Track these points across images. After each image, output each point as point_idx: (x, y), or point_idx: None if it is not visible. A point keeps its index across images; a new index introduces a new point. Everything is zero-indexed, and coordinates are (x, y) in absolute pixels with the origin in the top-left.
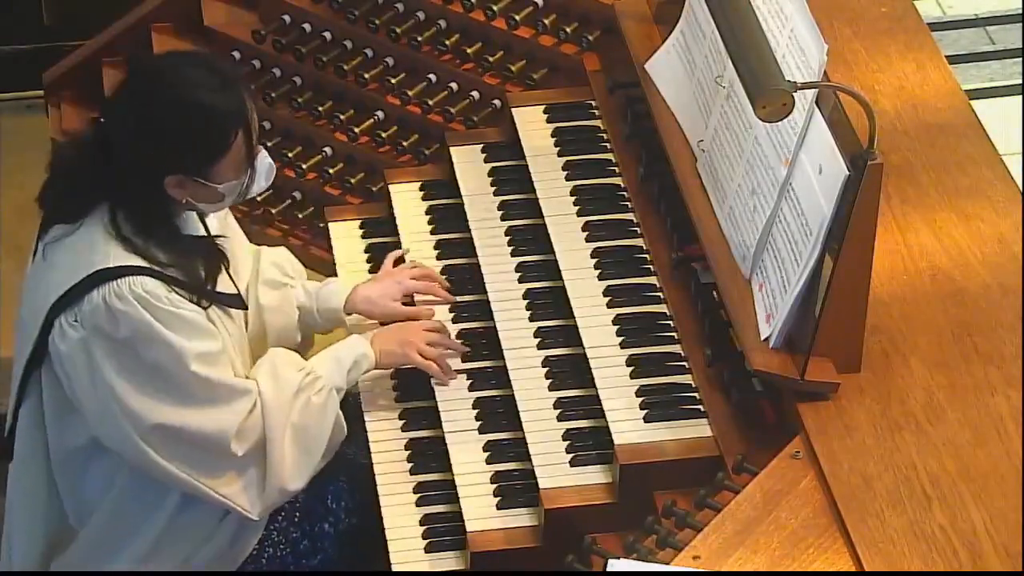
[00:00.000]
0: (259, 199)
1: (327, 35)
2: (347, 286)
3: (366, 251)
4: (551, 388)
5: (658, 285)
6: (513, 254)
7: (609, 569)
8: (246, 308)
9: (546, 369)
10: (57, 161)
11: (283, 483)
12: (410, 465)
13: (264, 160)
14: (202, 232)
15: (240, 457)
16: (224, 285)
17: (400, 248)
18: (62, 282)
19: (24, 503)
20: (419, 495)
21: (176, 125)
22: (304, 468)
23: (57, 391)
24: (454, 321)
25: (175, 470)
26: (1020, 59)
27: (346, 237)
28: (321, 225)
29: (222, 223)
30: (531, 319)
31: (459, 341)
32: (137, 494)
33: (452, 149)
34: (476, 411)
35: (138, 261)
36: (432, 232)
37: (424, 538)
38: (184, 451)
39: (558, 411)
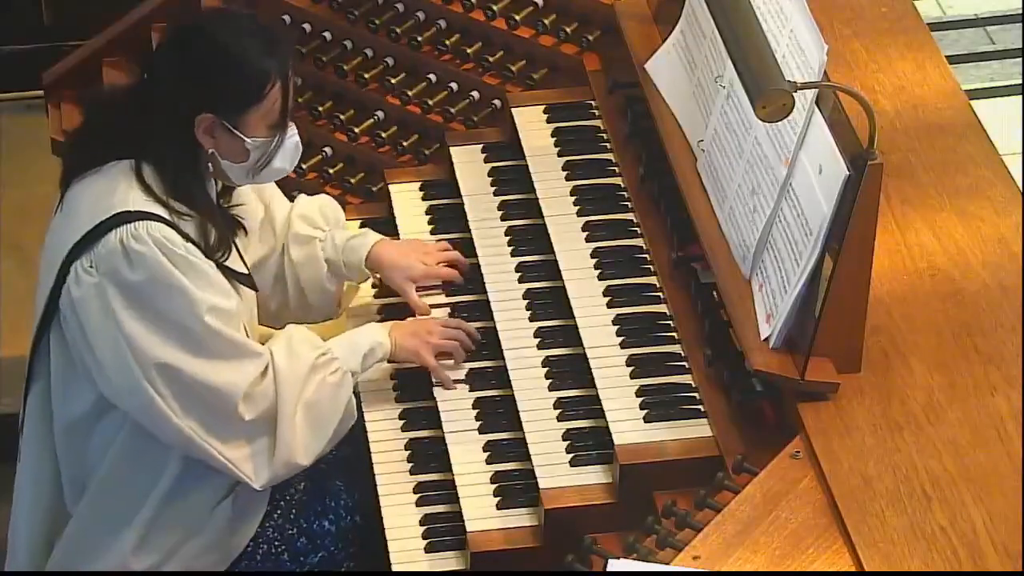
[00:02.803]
0: None
1: (327, 35)
2: (371, 240)
3: None
4: (551, 388)
5: (658, 285)
6: (513, 254)
7: (609, 569)
8: (256, 290)
9: (546, 369)
10: (92, 105)
11: (292, 456)
12: (410, 465)
13: (293, 136)
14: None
15: (248, 423)
16: (235, 263)
17: None
18: (80, 227)
19: (30, 490)
20: (419, 495)
21: (217, 63)
22: (313, 446)
23: (65, 354)
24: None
25: (183, 427)
26: (1020, 59)
27: None
28: None
29: (258, 192)
30: (531, 319)
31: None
32: (133, 466)
33: (452, 149)
34: (476, 411)
35: (158, 210)
36: (432, 232)
37: (424, 538)
38: (192, 404)
39: (558, 411)
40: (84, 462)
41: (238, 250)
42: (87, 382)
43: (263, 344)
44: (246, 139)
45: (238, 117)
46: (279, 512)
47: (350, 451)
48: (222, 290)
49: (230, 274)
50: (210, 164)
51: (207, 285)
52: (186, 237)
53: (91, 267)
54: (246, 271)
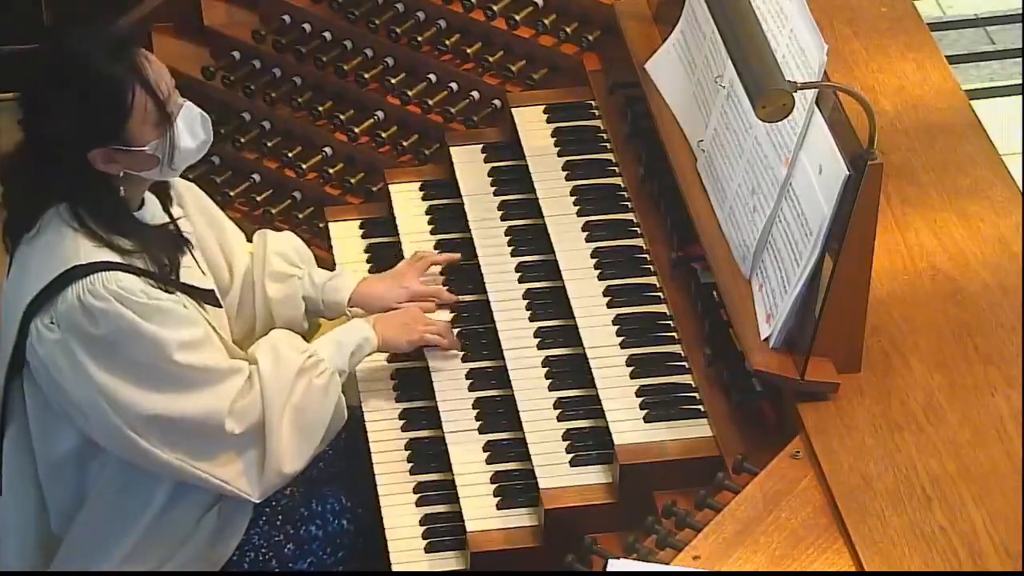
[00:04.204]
0: (259, 199)
1: (327, 35)
2: (353, 280)
3: (366, 251)
4: (551, 388)
5: (658, 285)
6: (513, 254)
7: (609, 569)
8: (221, 307)
9: (546, 369)
10: (2, 172)
11: (280, 465)
12: (410, 465)
13: (190, 111)
14: (162, 220)
15: (237, 437)
16: (197, 279)
17: (400, 248)
18: (34, 284)
19: (16, 526)
20: (419, 495)
21: (73, 98)
22: (303, 450)
23: (39, 400)
24: (454, 322)
25: (172, 459)
26: (1020, 59)
27: (346, 237)
28: (321, 225)
29: (208, 218)
30: (531, 319)
31: (459, 342)
32: (123, 493)
33: (452, 149)
34: (476, 411)
35: (109, 255)
36: (432, 232)
37: (424, 538)
38: (179, 438)
39: (558, 411)
40: (73, 495)
41: (199, 266)
42: (68, 424)
43: (247, 349)
44: (144, 148)
45: (121, 136)
46: (264, 519)
47: (336, 458)
48: (188, 321)
49: (194, 293)
50: (122, 188)
51: (172, 323)
52: (141, 273)
53: (52, 323)
54: (210, 287)
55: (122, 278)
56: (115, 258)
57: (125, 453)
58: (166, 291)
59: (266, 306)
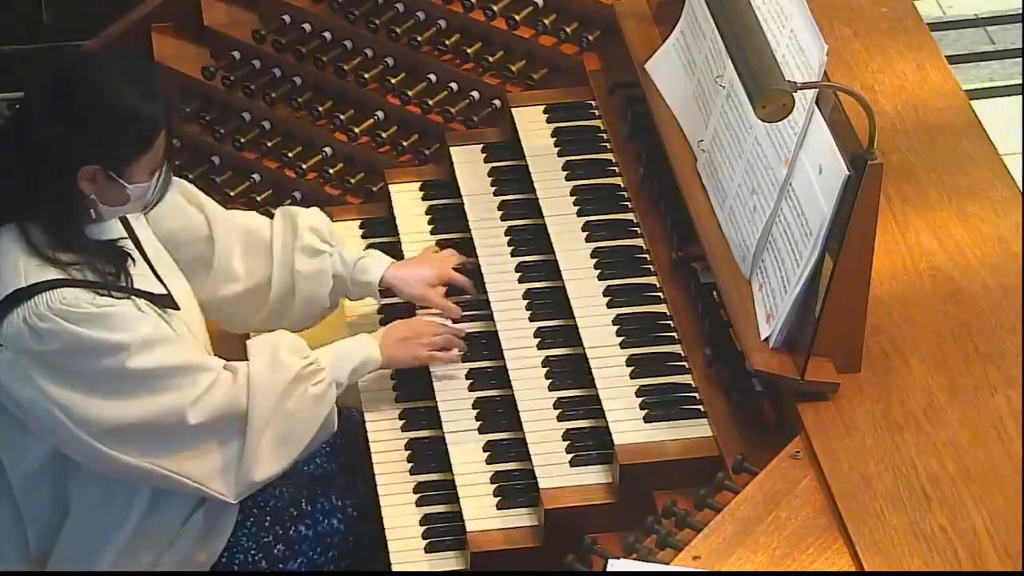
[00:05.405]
0: (259, 199)
1: (327, 35)
2: (384, 263)
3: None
4: (551, 388)
5: (658, 285)
6: (513, 254)
7: (609, 569)
8: (178, 308)
9: (546, 369)
10: None
11: (252, 470)
12: (410, 465)
13: (170, 173)
14: (114, 235)
15: (205, 431)
16: (151, 286)
17: (400, 248)
18: None
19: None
20: (419, 495)
21: (104, 114)
22: (281, 458)
23: (6, 413)
24: (454, 322)
25: (144, 464)
26: (1020, 59)
27: (346, 237)
28: None
29: (196, 204)
30: (531, 319)
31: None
32: (100, 507)
33: (452, 149)
34: (476, 411)
35: (51, 273)
36: (432, 232)
37: (424, 538)
38: (145, 442)
39: (558, 411)
40: (51, 508)
41: (155, 272)
42: (34, 442)
43: (252, 338)
44: (128, 186)
45: (125, 167)
46: (253, 519)
47: (332, 458)
48: (140, 320)
49: (150, 298)
50: (93, 211)
51: (121, 326)
52: (86, 284)
53: (1, 346)
54: (164, 291)
55: (66, 294)
56: (58, 275)
57: (96, 464)
58: (114, 297)
59: (291, 278)
